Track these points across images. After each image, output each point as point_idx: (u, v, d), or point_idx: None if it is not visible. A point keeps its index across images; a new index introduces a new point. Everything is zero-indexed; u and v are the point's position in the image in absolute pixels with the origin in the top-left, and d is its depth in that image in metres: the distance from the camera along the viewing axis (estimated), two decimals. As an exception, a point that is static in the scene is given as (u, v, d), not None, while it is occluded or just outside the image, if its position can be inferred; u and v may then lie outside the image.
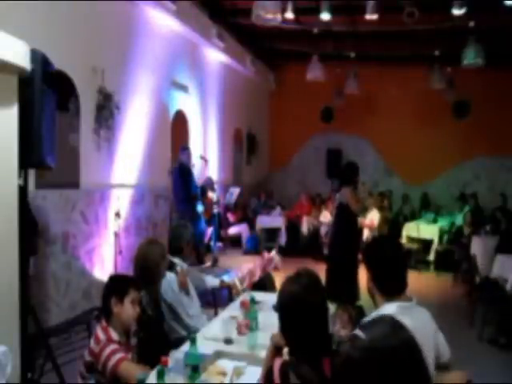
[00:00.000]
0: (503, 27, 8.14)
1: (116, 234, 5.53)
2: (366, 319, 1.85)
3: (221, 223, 8.33)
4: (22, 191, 2.79)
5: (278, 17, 6.19)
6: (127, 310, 2.48)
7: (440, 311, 4.87)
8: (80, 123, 5.30)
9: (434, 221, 9.57)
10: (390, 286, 2.18)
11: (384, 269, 2.19)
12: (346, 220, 5.74)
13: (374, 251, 2.31)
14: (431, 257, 9.19)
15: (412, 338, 1.29)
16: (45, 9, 4.62)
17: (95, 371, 2.40)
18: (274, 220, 10.05)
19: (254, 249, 8.17)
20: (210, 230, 7.57)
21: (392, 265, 2.21)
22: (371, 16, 7.12)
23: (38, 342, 3.40)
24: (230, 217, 9.29)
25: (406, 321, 2.08)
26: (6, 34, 2.51)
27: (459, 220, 9.25)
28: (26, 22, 4.26)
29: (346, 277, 5.45)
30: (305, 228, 10.19)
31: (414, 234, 9.27)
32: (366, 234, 8.57)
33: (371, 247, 2.41)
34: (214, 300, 4.10)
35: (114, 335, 2.44)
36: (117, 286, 2.58)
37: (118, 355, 2.35)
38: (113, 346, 2.38)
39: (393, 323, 1.33)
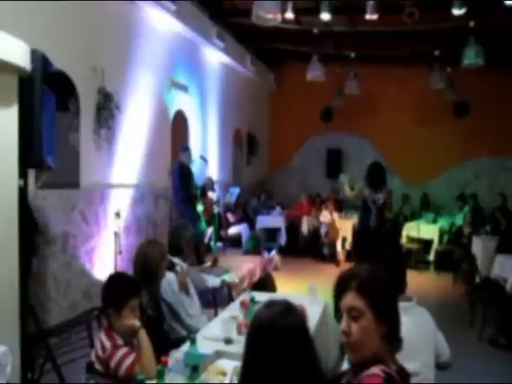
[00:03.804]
0: (503, 27, 8.14)
1: (116, 234, 5.53)
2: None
3: (221, 223, 8.33)
4: (22, 191, 2.79)
5: (278, 17, 6.19)
6: (126, 320, 2.43)
7: (440, 311, 4.89)
8: (80, 123, 5.30)
9: (434, 221, 9.57)
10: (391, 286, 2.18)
11: (384, 269, 2.18)
12: None
13: (373, 251, 2.31)
14: (431, 257, 9.19)
15: (301, 321, 1.55)
16: (45, 9, 4.61)
17: (95, 372, 2.40)
18: (274, 220, 10.06)
19: (253, 249, 8.16)
20: (209, 230, 7.58)
21: (392, 265, 2.21)
22: (371, 16, 7.12)
23: (37, 341, 3.40)
24: (230, 217, 9.29)
25: (406, 321, 2.09)
26: (6, 33, 2.52)
27: (459, 220, 9.25)
28: (26, 22, 4.26)
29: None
30: (305, 228, 10.19)
31: (414, 234, 9.27)
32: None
33: (370, 247, 2.42)
34: (214, 300, 4.09)
35: (119, 340, 2.42)
36: (114, 296, 2.46)
37: (130, 359, 2.35)
38: (121, 351, 2.37)
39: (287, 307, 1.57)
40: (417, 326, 2.11)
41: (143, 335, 2.46)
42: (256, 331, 1.55)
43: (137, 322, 2.45)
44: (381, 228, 6.23)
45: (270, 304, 1.59)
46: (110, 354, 2.36)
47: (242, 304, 3.32)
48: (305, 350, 1.51)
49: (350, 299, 1.55)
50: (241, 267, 5.69)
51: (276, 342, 1.48)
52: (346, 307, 1.56)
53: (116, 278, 2.65)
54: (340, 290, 1.60)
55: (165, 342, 2.82)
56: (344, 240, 9.50)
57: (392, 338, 1.57)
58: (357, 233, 6.41)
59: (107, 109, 5.69)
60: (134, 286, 2.55)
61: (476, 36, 7.91)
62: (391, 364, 1.52)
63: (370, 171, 6.20)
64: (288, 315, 1.53)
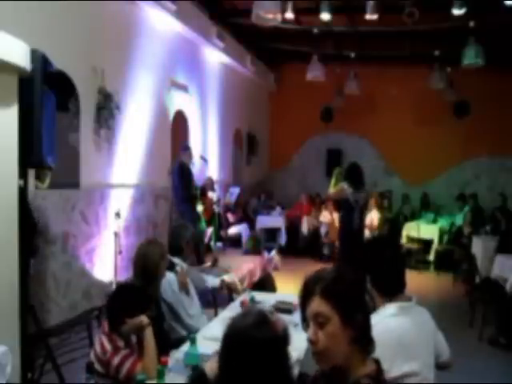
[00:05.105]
0: (503, 27, 8.14)
1: (116, 234, 5.53)
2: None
3: (221, 223, 8.33)
4: (22, 192, 2.79)
5: (278, 17, 6.19)
6: (135, 317, 2.48)
7: (440, 311, 4.88)
8: (80, 123, 5.30)
9: (434, 221, 9.58)
10: (390, 286, 2.18)
11: (383, 269, 2.19)
12: None
13: (372, 252, 2.30)
14: (431, 257, 9.19)
15: (274, 333, 1.52)
16: (45, 9, 4.62)
17: (95, 372, 2.40)
18: (274, 220, 10.06)
19: (253, 249, 8.16)
20: (209, 230, 7.57)
21: (391, 265, 2.21)
22: (371, 16, 7.12)
23: (37, 341, 3.40)
24: (230, 217, 9.29)
25: (406, 321, 2.09)
26: (6, 33, 2.52)
27: (459, 220, 9.25)
28: (26, 22, 4.26)
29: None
30: (305, 228, 10.19)
31: (414, 234, 9.27)
32: (366, 234, 8.56)
33: (370, 248, 2.41)
34: (214, 300, 4.10)
35: (120, 342, 2.43)
36: (131, 309, 2.51)
37: (130, 361, 2.37)
38: (122, 354, 2.38)
39: (261, 318, 1.55)
40: (417, 326, 2.11)
41: (149, 334, 2.47)
42: (226, 340, 1.55)
43: (145, 319, 2.48)
44: (362, 228, 6.27)
45: (245, 314, 1.58)
46: (110, 356, 2.37)
47: (242, 304, 3.32)
48: (275, 362, 1.49)
49: (315, 305, 1.48)
50: (241, 267, 5.69)
51: (246, 353, 1.48)
52: (311, 314, 1.49)
53: (133, 290, 2.69)
54: (305, 296, 1.53)
55: (165, 342, 2.82)
56: (344, 240, 9.48)
57: (362, 341, 1.49)
58: (342, 234, 6.27)
59: (107, 109, 5.68)
60: (149, 300, 2.65)
61: (476, 36, 7.92)
62: (360, 368, 1.47)
63: (349, 172, 6.18)
64: (260, 327, 1.51)
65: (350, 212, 6.01)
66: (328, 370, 1.49)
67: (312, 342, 1.47)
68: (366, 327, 1.51)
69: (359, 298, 1.54)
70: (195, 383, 1.91)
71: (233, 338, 1.54)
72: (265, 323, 1.53)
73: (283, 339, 1.54)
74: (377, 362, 1.53)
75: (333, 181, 6.42)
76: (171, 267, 3.41)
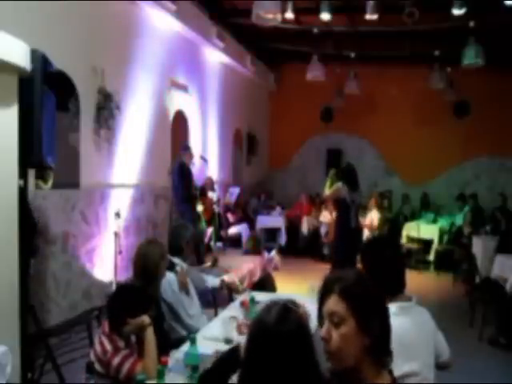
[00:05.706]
0: (503, 27, 8.14)
1: (116, 234, 5.53)
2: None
3: (221, 223, 8.33)
4: (22, 192, 2.80)
5: (278, 17, 6.19)
6: (136, 317, 2.48)
7: (440, 311, 4.88)
8: (80, 123, 5.30)
9: (434, 221, 9.58)
10: (390, 286, 2.18)
11: (383, 269, 2.19)
12: None
13: (372, 252, 2.30)
14: (431, 257, 9.19)
15: (298, 326, 1.51)
16: (45, 9, 4.61)
17: (95, 372, 2.40)
18: (274, 220, 10.06)
19: (253, 249, 8.16)
20: (209, 230, 7.57)
21: (391, 265, 2.21)
22: (371, 16, 7.12)
23: (37, 341, 3.40)
24: (230, 217, 9.29)
25: (406, 321, 2.09)
26: (6, 33, 2.52)
27: (459, 220, 9.25)
28: (26, 22, 4.26)
29: None
30: (305, 228, 10.19)
31: (414, 234, 9.27)
32: (365, 234, 8.57)
33: (369, 248, 2.41)
34: (214, 300, 4.10)
35: (120, 342, 2.43)
36: (132, 309, 2.51)
37: (130, 361, 2.37)
38: (122, 354, 2.38)
39: (284, 309, 1.54)
40: (417, 326, 2.11)
41: (150, 334, 2.47)
42: (252, 338, 1.53)
43: (147, 318, 2.48)
44: (359, 227, 6.37)
45: (268, 308, 1.55)
46: (110, 356, 2.36)
47: (242, 304, 3.32)
48: (302, 355, 1.47)
49: (332, 303, 1.47)
50: (241, 267, 5.69)
51: (272, 349, 1.46)
52: (327, 312, 1.47)
53: (133, 290, 2.68)
54: (323, 293, 1.51)
55: (165, 342, 2.82)
56: (344, 240, 9.47)
57: (378, 352, 1.44)
58: (340, 233, 6.26)
59: (107, 109, 5.68)
60: (150, 300, 2.65)
61: (476, 36, 7.91)
62: (375, 378, 1.43)
63: (344, 172, 6.22)
64: (284, 321, 1.49)
65: (347, 211, 6.03)
66: (339, 370, 1.47)
67: (325, 340, 1.46)
68: (383, 337, 1.46)
69: (378, 304, 1.50)
70: (229, 355, 1.92)
71: (259, 333, 1.51)
72: (289, 316, 1.51)
73: (308, 330, 1.53)
74: (390, 372, 1.48)
75: (328, 182, 6.43)
76: (171, 267, 3.41)
